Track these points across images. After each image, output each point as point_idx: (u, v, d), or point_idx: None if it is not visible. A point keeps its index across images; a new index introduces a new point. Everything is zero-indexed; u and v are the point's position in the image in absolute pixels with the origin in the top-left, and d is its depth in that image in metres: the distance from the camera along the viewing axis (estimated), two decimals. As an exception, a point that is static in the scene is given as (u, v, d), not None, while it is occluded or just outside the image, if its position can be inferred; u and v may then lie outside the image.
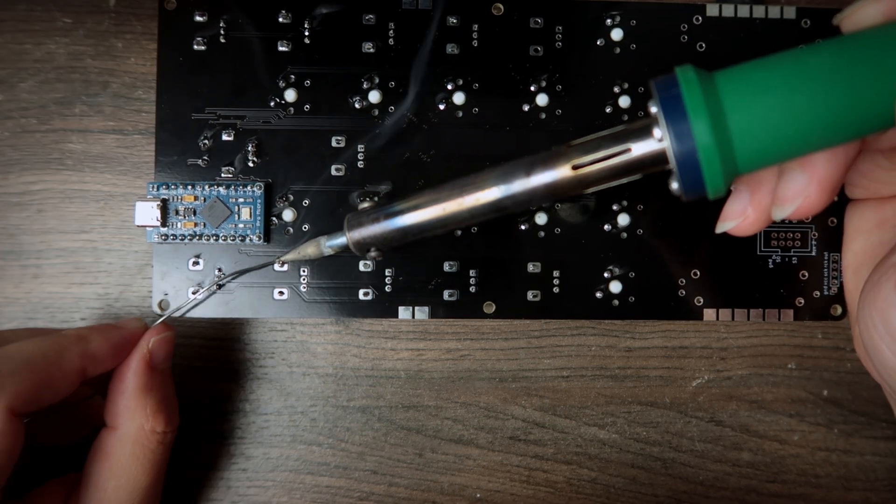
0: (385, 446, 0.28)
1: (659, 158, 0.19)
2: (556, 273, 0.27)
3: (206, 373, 0.28)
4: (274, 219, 0.26)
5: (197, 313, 0.26)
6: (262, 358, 0.28)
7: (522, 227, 0.26)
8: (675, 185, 0.19)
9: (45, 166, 0.27)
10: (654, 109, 0.19)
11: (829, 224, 0.27)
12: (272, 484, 0.28)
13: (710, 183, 0.19)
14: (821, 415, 0.29)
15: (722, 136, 0.18)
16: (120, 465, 0.23)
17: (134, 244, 0.27)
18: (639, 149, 0.19)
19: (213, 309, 0.26)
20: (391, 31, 0.26)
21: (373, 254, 0.23)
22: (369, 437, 0.28)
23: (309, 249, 0.25)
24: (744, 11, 0.27)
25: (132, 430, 0.23)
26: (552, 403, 0.28)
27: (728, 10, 0.27)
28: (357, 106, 0.26)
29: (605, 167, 0.20)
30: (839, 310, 0.27)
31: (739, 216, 0.22)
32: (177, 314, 0.26)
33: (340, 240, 0.24)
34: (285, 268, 0.26)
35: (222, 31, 0.26)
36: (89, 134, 0.27)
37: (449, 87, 0.26)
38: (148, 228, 0.26)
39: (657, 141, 0.19)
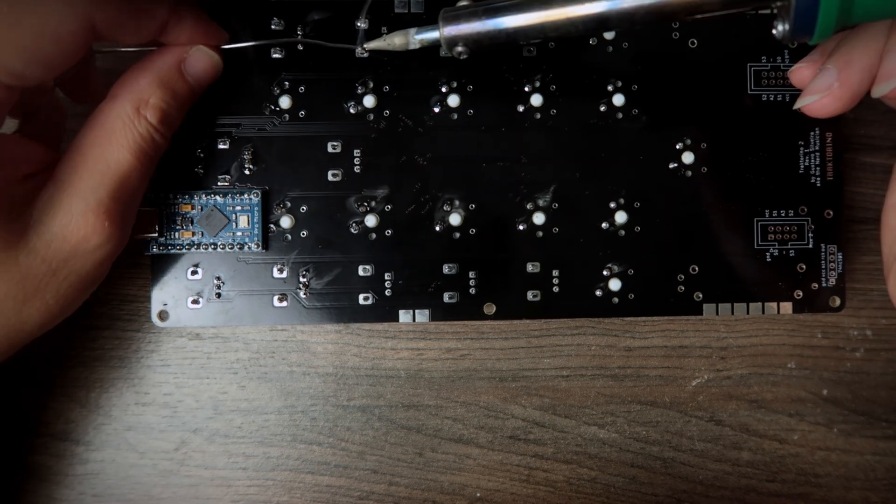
0: (385, 445, 0.28)
1: None
2: (555, 272, 0.26)
3: (206, 372, 0.28)
4: (272, 226, 0.26)
5: (196, 322, 0.26)
6: (262, 358, 0.28)
7: (521, 228, 0.26)
8: (780, 27, 0.20)
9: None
10: None
11: (825, 216, 0.27)
12: (272, 483, 0.28)
13: (822, 20, 0.19)
14: (820, 414, 0.29)
15: None
16: (108, 135, 0.22)
17: (132, 254, 0.27)
18: None
19: (212, 318, 0.26)
20: (384, 35, 0.26)
21: (460, 49, 0.23)
22: (369, 436, 0.28)
23: (396, 39, 0.24)
24: None
25: (129, 106, 0.22)
26: (552, 403, 0.28)
27: None
28: (352, 111, 0.26)
29: None
30: (838, 301, 0.27)
31: (825, 90, 0.22)
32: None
33: (432, 33, 0.23)
34: (366, 55, 0.26)
35: None
36: (89, 133, 0.27)
37: (443, 89, 0.26)
38: (146, 239, 0.26)
39: None
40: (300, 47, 0.26)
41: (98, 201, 0.21)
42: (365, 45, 0.25)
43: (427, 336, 0.28)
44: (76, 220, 0.21)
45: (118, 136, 0.22)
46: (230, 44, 0.25)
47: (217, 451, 0.28)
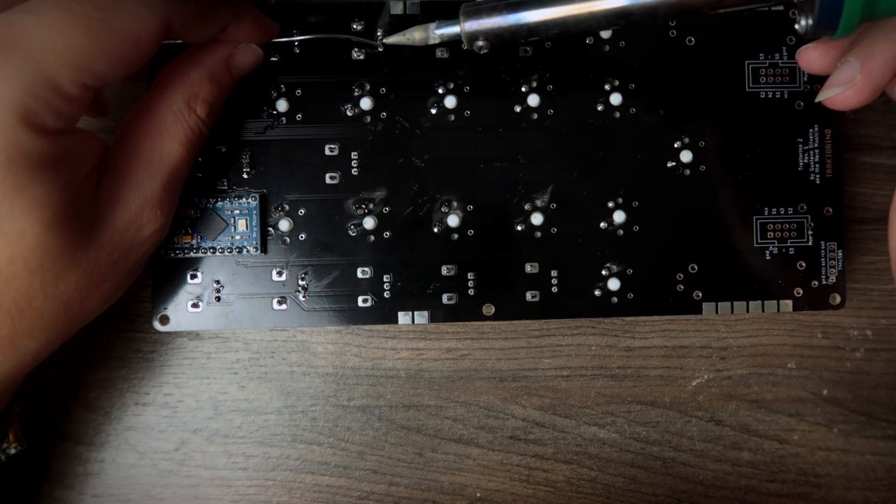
0: (385, 446, 0.28)
1: None
2: (553, 273, 0.26)
3: (206, 372, 0.28)
4: (270, 229, 0.26)
5: (196, 326, 0.26)
6: (262, 358, 0.28)
7: (519, 228, 0.26)
8: (803, 22, 0.20)
9: (46, 166, 0.27)
10: None
11: (825, 213, 0.27)
12: (272, 483, 0.28)
13: (847, 15, 0.19)
14: (821, 414, 0.29)
15: None
16: (159, 127, 0.23)
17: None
18: None
19: (212, 321, 0.26)
20: (379, 37, 0.26)
21: (480, 43, 0.23)
22: (369, 436, 0.28)
23: (416, 34, 0.24)
24: None
25: (180, 99, 0.23)
26: (552, 403, 0.28)
27: None
28: (349, 113, 0.26)
29: None
30: (838, 299, 0.27)
31: (847, 83, 0.22)
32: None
33: (453, 28, 0.23)
34: (381, 49, 0.26)
35: None
36: (89, 134, 0.27)
37: (440, 90, 0.26)
38: None
39: None
40: (297, 50, 0.26)
41: (154, 193, 0.22)
42: (384, 40, 0.25)
43: (427, 336, 0.28)
44: (136, 213, 0.22)
45: (170, 129, 0.23)
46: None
47: (217, 452, 0.28)
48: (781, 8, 0.27)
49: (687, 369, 0.29)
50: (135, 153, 0.22)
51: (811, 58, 0.23)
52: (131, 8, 0.20)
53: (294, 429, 0.28)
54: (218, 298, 0.26)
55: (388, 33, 0.25)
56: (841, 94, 0.22)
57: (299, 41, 0.26)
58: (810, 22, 0.20)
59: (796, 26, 0.20)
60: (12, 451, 0.24)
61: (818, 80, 0.27)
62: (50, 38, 0.19)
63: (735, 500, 0.28)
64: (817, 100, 0.22)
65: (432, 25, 0.23)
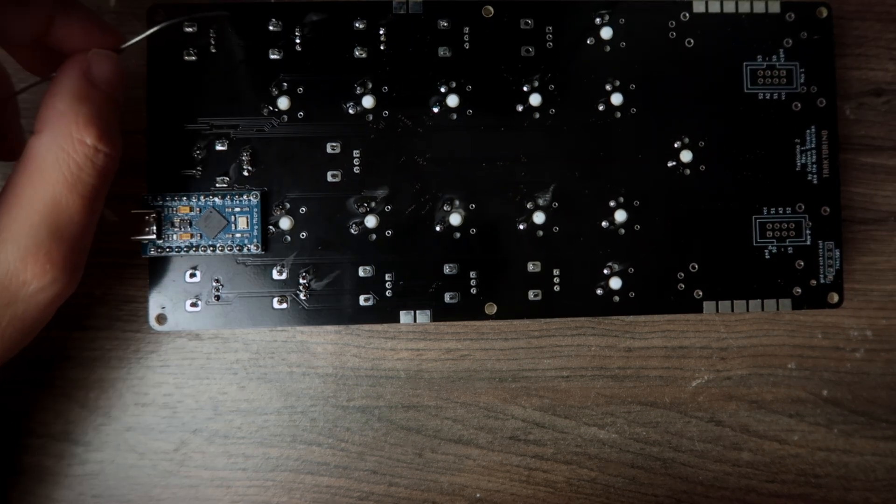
0: (385, 446, 0.28)
1: None
2: (555, 272, 0.27)
3: (206, 373, 0.28)
4: (271, 227, 0.26)
5: (195, 325, 0.26)
6: (261, 358, 0.28)
7: (521, 227, 0.26)
8: None
9: (45, 166, 0.27)
10: None
11: (822, 213, 0.27)
12: (272, 484, 0.28)
13: None
14: (820, 415, 0.29)
15: None
16: (39, 169, 0.20)
17: (130, 257, 0.27)
18: None
19: (212, 321, 0.26)
20: (382, 37, 0.26)
21: None
22: (369, 436, 0.28)
23: None
24: (730, 7, 0.27)
25: (58, 134, 0.21)
26: (552, 403, 0.28)
27: (714, 6, 0.27)
28: (351, 112, 0.26)
29: None
30: (836, 298, 0.27)
31: None
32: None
33: None
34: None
35: (212, 42, 0.26)
36: (89, 134, 0.27)
37: (442, 90, 0.26)
38: (144, 241, 0.25)
39: None
40: (298, 48, 0.26)
41: (37, 244, 0.20)
42: None
43: (427, 336, 0.28)
44: (14, 267, 0.20)
45: (51, 172, 0.21)
46: (127, 41, 0.24)
47: (217, 452, 0.28)
48: (778, 11, 0.27)
49: (687, 370, 0.29)
50: (15, 202, 0.20)
51: None
52: None
53: (294, 429, 0.28)
54: (217, 297, 0.26)
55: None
56: None
57: (301, 41, 0.26)
58: None
59: None
60: None
61: (815, 82, 0.27)
62: None
63: (735, 501, 0.28)
64: None
65: None
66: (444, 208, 0.26)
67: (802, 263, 0.27)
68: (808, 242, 0.27)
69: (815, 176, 0.27)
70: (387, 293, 0.26)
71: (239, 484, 0.28)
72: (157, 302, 0.26)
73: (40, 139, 0.21)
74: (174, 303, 0.26)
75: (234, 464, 0.28)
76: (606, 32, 0.27)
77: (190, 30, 0.26)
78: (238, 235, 0.26)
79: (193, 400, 0.28)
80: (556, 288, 0.27)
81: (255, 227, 0.26)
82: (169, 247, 0.25)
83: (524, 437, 0.28)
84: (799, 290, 0.27)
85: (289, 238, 0.26)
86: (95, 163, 0.21)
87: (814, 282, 0.27)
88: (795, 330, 0.29)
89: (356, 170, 0.26)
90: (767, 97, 0.27)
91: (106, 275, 0.27)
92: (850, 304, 0.29)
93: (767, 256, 0.27)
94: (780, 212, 0.27)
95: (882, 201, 0.29)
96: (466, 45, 0.27)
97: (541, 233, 0.27)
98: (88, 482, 0.27)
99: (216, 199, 0.26)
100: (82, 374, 0.27)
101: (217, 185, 0.26)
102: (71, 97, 0.21)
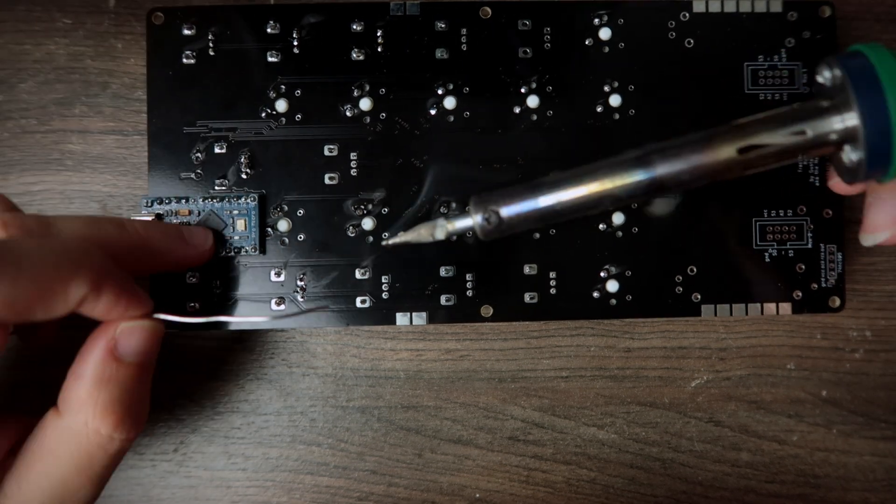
0: (384, 446, 0.28)
1: (834, 139, 0.19)
2: (552, 274, 0.27)
3: (206, 373, 0.28)
4: (269, 230, 0.26)
5: (194, 327, 0.26)
6: (262, 358, 0.28)
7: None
8: (852, 158, 0.19)
9: (46, 167, 0.27)
10: (828, 82, 0.19)
11: (824, 216, 0.27)
12: (272, 484, 0.28)
13: None
14: (819, 415, 0.29)
15: None
16: (53, 453, 0.20)
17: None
18: (816, 128, 0.20)
19: (210, 322, 0.26)
20: (380, 39, 0.26)
21: (490, 228, 0.22)
22: (369, 437, 0.28)
23: (423, 231, 0.23)
24: (730, 6, 0.27)
25: (74, 422, 0.20)
26: (551, 404, 0.28)
27: (715, 6, 0.27)
28: (348, 114, 0.26)
29: (773, 151, 0.20)
30: (837, 302, 0.27)
31: (893, 225, 0.22)
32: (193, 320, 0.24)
33: (465, 222, 0.22)
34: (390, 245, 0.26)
35: (211, 44, 0.26)
36: (89, 135, 0.27)
37: (439, 91, 0.26)
38: None
39: (841, 120, 0.19)
40: (296, 50, 0.26)
41: None
42: (391, 241, 0.24)
43: (426, 337, 0.28)
44: None
45: (63, 456, 0.20)
46: (158, 312, 0.22)
47: (216, 452, 0.28)
48: (780, 10, 0.27)
49: (686, 370, 0.29)
50: (25, 477, 0.20)
51: (842, 189, 0.23)
52: None
53: (293, 429, 0.28)
54: (216, 299, 0.26)
55: (395, 230, 0.26)
56: (890, 236, 0.22)
57: (298, 43, 0.26)
58: (859, 161, 0.19)
59: (844, 160, 0.20)
60: None
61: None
62: None
63: (734, 501, 0.28)
64: (865, 244, 0.23)
65: (441, 221, 0.23)
66: (442, 210, 0.26)
67: (804, 267, 0.27)
68: (810, 245, 0.27)
69: (816, 178, 0.27)
70: (383, 295, 0.26)
71: (239, 484, 0.28)
72: (156, 304, 0.26)
73: (57, 422, 0.20)
74: (173, 303, 0.26)
75: (234, 464, 0.28)
76: (605, 33, 0.27)
77: (189, 32, 0.26)
78: (236, 238, 0.26)
79: (193, 400, 0.28)
80: (553, 291, 0.26)
81: (254, 229, 0.26)
82: None
83: (523, 437, 0.28)
84: (800, 293, 0.27)
85: (287, 240, 0.26)
86: (108, 450, 0.21)
87: (815, 285, 0.27)
88: (795, 330, 0.29)
89: (353, 172, 0.26)
90: (769, 98, 0.27)
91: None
92: (849, 305, 0.29)
93: (768, 259, 0.27)
94: (782, 214, 0.27)
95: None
96: (464, 47, 0.27)
97: (538, 235, 0.27)
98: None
99: (215, 201, 0.26)
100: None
101: (216, 187, 0.26)
102: (92, 383, 0.20)
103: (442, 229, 0.22)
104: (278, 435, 0.28)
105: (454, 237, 0.23)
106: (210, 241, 0.25)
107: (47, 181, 0.27)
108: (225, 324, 0.26)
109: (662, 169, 0.20)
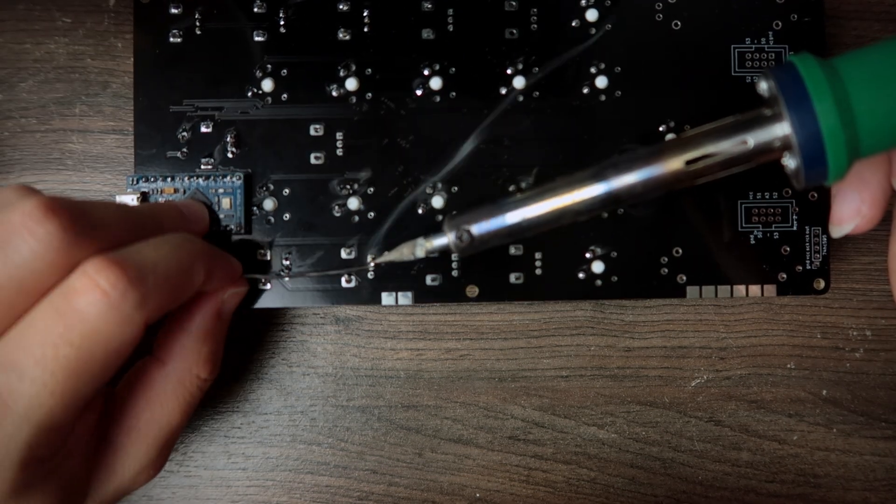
0: (385, 446, 0.28)
1: (776, 146, 0.20)
2: (537, 255, 0.26)
3: (206, 372, 0.28)
4: (255, 209, 0.26)
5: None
6: (262, 358, 0.28)
7: None
8: (791, 165, 0.20)
9: (46, 166, 0.27)
10: (766, 93, 0.20)
11: (809, 198, 0.27)
12: (272, 483, 0.28)
13: (833, 166, 0.20)
14: (820, 415, 0.29)
15: (846, 118, 0.19)
16: (159, 399, 0.23)
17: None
18: (757, 138, 0.20)
19: None
20: (366, 19, 0.26)
21: (465, 246, 0.23)
22: (369, 436, 0.28)
23: (405, 250, 0.24)
24: None
25: (180, 369, 0.23)
26: (551, 403, 0.28)
27: None
28: (334, 94, 0.26)
29: (719, 161, 0.21)
30: (822, 284, 0.27)
31: (856, 216, 0.22)
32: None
33: (441, 240, 0.23)
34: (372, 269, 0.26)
35: (198, 24, 0.26)
36: (89, 134, 0.27)
37: (426, 72, 0.26)
38: None
39: (781, 128, 0.20)
40: (283, 30, 0.26)
41: (150, 460, 0.23)
42: (376, 260, 0.26)
43: (426, 336, 0.28)
44: (130, 480, 0.23)
45: (170, 399, 0.23)
46: (248, 272, 0.25)
47: (217, 452, 0.28)
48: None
49: (686, 370, 0.29)
50: (133, 426, 0.22)
51: (842, 217, 0.23)
52: (109, 328, 0.19)
53: (293, 429, 0.28)
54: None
55: (380, 250, 0.26)
56: (855, 227, 0.23)
57: (285, 22, 0.26)
58: (797, 168, 0.20)
59: (789, 167, 0.21)
60: None
61: None
62: (37, 395, 0.18)
63: (734, 501, 0.28)
64: (834, 236, 0.24)
65: (420, 240, 0.24)
66: (427, 191, 0.26)
67: (788, 249, 0.27)
68: (795, 228, 0.27)
69: None
70: (369, 275, 0.26)
71: (239, 484, 0.28)
72: None
73: (164, 370, 0.23)
74: None
75: (234, 463, 0.28)
76: (592, 14, 0.27)
77: (175, 11, 0.26)
78: (222, 216, 0.26)
79: (193, 400, 0.28)
80: (539, 272, 0.26)
81: (239, 208, 0.26)
82: None
83: (524, 436, 0.28)
84: (784, 275, 0.27)
85: (272, 219, 0.26)
86: (202, 391, 0.24)
87: (800, 268, 0.27)
88: (795, 330, 0.29)
89: (339, 152, 0.26)
90: (755, 80, 0.27)
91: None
92: (850, 304, 0.29)
93: (753, 242, 0.27)
94: (767, 196, 0.27)
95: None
96: (450, 27, 0.27)
97: None
98: (88, 482, 0.27)
99: (200, 180, 0.26)
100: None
101: (201, 166, 0.26)
102: (200, 337, 0.23)
103: (421, 248, 0.24)
104: (278, 434, 0.28)
105: (434, 254, 0.24)
106: (207, 218, 0.25)
107: (47, 181, 0.27)
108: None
109: (617, 183, 0.22)
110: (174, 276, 0.20)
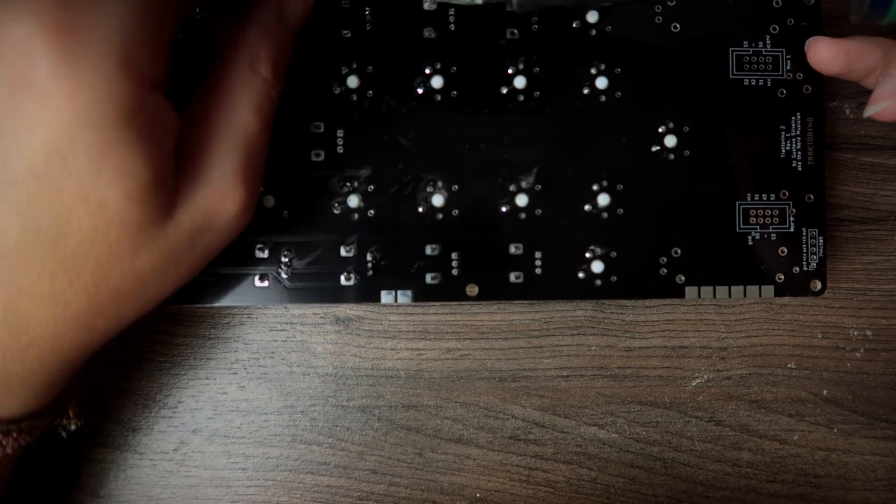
0: (385, 446, 0.28)
1: None
2: (537, 254, 0.26)
3: (206, 372, 0.28)
4: None
5: (176, 301, 0.25)
6: (262, 358, 0.28)
7: (503, 209, 0.26)
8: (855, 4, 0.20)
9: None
10: None
11: (806, 200, 0.27)
12: (272, 483, 0.28)
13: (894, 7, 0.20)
14: (820, 414, 0.29)
15: None
16: (228, 96, 0.21)
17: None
18: None
19: (193, 297, 0.25)
20: (368, 17, 0.26)
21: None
22: (369, 436, 0.28)
23: None
24: None
25: (242, 65, 0.21)
26: (552, 403, 0.28)
27: None
28: (335, 91, 0.26)
29: None
30: (819, 285, 0.27)
31: (891, 97, 0.22)
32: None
33: None
34: (434, 6, 0.26)
35: (198, 19, 0.26)
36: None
37: (427, 70, 0.27)
38: None
39: None
40: None
41: (233, 169, 0.21)
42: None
43: (427, 336, 0.28)
44: (216, 191, 0.21)
45: (238, 98, 0.21)
46: None
47: (216, 452, 0.28)
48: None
49: (687, 369, 0.29)
50: (209, 128, 0.21)
51: (822, 53, 0.23)
52: None
53: (293, 429, 0.28)
54: (201, 274, 0.26)
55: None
56: (889, 107, 0.22)
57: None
58: (863, 3, 0.20)
59: (852, 7, 0.21)
60: (72, 428, 0.24)
61: (801, 69, 0.27)
62: None
63: (735, 501, 0.28)
64: (866, 115, 0.23)
65: None
66: (427, 189, 0.26)
67: (786, 250, 0.27)
68: (792, 229, 0.27)
69: (799, 163, 0.27)
70: (368, 273, 0.26)
71: (239, 484, 0.28)
72: None
73: (226, 66, 0.21)
74: None
75: (234, 463, 0.28)
76: (592, 16, 0.27)
77: None
78: None
79: (193, 399, 0.28)
80: (539, 271, 0.26)
81: None
82: None
83: (524, 436, 0.28)
84: (782, 276, 0.27)
85: (272, 216, 0.26)
86: (270, 96, 0.22)
87: (797, 269, 0.27)
88: (795, 330, 0.29)
89: (339, 149, 0.26)
90: (753, 83, 0.27)
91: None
92: (850, 304, 0.29)
93: (750, 243, 0.27)
94: (764, 198, 0.27)
95: (882, 201, 0.29)
96: (452, 27, 0.27)
97: (523, 215, 0.26)
98: (88, 482, 0.27)
99: None
100: (80, 373, 0.27)
101: None
102: (259, 32, 0.22)
103: None
104: (278, 434, 0.28)
105: (492, 1, 0.23)
106: None
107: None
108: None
109: None
110: None
